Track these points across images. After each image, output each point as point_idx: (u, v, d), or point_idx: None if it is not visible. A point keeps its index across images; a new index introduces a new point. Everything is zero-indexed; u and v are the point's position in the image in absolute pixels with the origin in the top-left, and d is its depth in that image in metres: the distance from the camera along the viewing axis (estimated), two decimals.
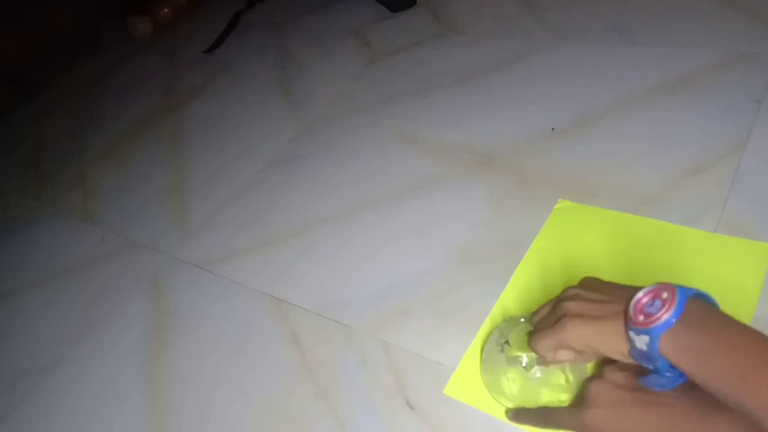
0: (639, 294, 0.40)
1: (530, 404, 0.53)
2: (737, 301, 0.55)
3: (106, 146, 1.14)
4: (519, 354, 0.52)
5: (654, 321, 0.37)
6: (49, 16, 1.36)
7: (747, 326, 0.37)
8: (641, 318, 0.38)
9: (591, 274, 0.61)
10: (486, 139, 0.83)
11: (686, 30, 0.88)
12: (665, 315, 0.37)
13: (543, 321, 0.47)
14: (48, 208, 1.04)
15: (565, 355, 0.44)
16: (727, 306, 0.55)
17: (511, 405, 0.54)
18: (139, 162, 1.06)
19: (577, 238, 0.66)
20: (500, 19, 1.05)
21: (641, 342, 0.38)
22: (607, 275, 0.61)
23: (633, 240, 0.64)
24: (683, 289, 0.39)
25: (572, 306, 0.44)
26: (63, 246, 0.95)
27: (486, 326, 0.61)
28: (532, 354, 0.51)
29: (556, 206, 0.70)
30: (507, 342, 0.53)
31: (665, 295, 0.38)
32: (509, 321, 0.56)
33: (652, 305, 0.38)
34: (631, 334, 0.39)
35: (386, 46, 1.10)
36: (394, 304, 0.67)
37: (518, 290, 0.63)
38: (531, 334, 0.48)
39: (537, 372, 0.52)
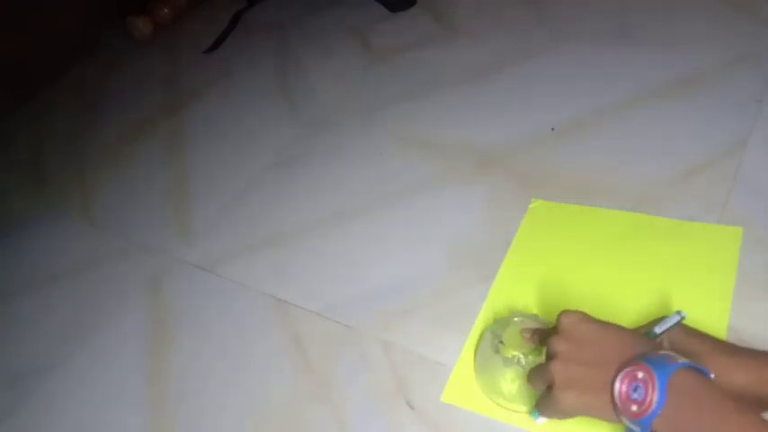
0: (617, 384, 0.39)
1: (529, 402, 0.53)
2: (715, 285, 0.57)
3: (106, 146, 1.14)
4: (515, 353, 0.52)
5: (642, 413, 0.37)
6: (49, 17, 1.35)
7: (737, 398, 0.37)
8: (634, 408, 0.38)
9: (571, 269, 0.63)
10: (486, 140, 0.83)
11: (687, 30, 0.88)
12: (651, 405, 0.37)
13: (535, 380, 0.46)
14: (47, 209, 1.04)
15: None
16: (705, 291, 0.56)
17: (510, 405, 0.54)
18: (139, 162, 1.06)
19: (554, 235, 0.67)
20: (500, 19, 1.05)
21: (635, 427, 0.39)
22: (585, 269, 0.62)
23: (608, 233, 0.65)
24: (660, 369, 0.38)
25: (560, 371, 0.43)
26: (63, 247, 0.95)
27: (476, 328, 0.61)
28: (528, 351, 0.52)
29: (530, 206, 0.71)
30: (501, 342, 0.53)
31: (640, 375, 0.38)
32: (500, 322, 0.56)
33: (635, 390, 0.38)
34: (624, 420, 0.39)
35: (386, 46, 1.09)
36: (395, 304, 0.67)
37: (504, 290, 0.64)
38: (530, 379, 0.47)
39: None
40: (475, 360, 0.58)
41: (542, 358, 0.51)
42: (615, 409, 0.40)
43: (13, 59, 1.33)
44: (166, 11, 1.43)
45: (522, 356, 0.52)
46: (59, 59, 1.41)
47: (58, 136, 1.22)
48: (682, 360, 0.39)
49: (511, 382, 0.53)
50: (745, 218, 0.62)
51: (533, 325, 0.53)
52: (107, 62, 1.41)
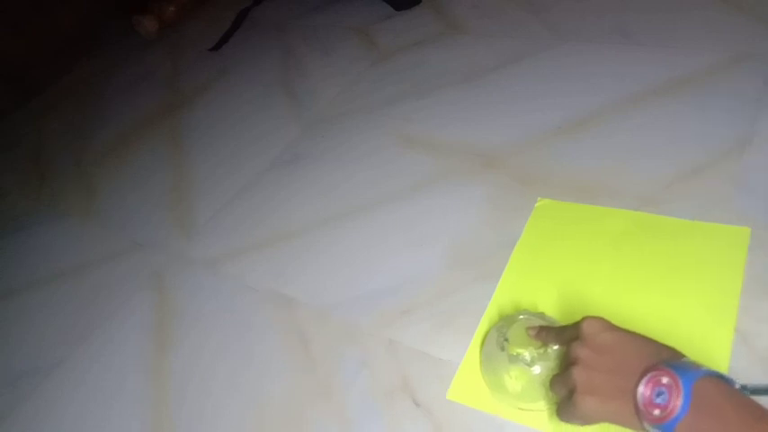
0: (641, 388, 0.40)
1: (534, 400, 0.53)
2: (722, 286, 0.57)
3: (107, 145, 1.13)
4: (520, 351, 0.52)
5: (665, 418, 0.37)
6: (49, 16, 1.35)
7: (759, 406, 0.36)
8: (656, 412, 0.38)
9: (577, 268, 0.63)
10: (487, 139, 0.83)
11: (687, 29, 0.88)
12: (675, 410, 0.37)
13: (557, 386, 0.46)
14: (48, 207, 1.04)
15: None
16: (712, 292, 0.56)
17: (515, 403, 0.54)
18: (141, 161, 1.06)
19: (560, 233, 0.67)
20: (503, 19, 1.05)
21: None
22: (592, 268, 0.62)
23: (614, 232, 0.65)
24: (685, 374, 0.38)
25: (582, 377, 0.43)
26: (63, 245, 0.95)
27: (482, 326, 0.61)
28: (533, 349, 0.52)
29: (536, 204, 0.71)
30: (507, 340, 0.53)
31: (665, 380, 0.38)
32: (506, 319, 0.56)
33: (659, 395, 0.38)
34: (646, 425, 0.39)
35: (390, 45, 1.10)
36: (397, 302, 0.67)
37: (510, 288, 0.64)
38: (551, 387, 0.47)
39: (539, 367, 0.52)
40: (480, 358, 0.58)
41: (548, 356, 0.52)
42: (638, 414, 0.39)
43: (14, 59, 1.32)
44: (172, 9, 1.43)
45: (527, 354, 0.52)
46: (59, 59, 1.41)
47: (59, 136, 1.22)
48: (706, 368, 0.39)
49: (516, 379, 0.53)
50: (747, 218, 0.62)
51: (539, 323, 0.53)
52: (108, 61, 1.41)
